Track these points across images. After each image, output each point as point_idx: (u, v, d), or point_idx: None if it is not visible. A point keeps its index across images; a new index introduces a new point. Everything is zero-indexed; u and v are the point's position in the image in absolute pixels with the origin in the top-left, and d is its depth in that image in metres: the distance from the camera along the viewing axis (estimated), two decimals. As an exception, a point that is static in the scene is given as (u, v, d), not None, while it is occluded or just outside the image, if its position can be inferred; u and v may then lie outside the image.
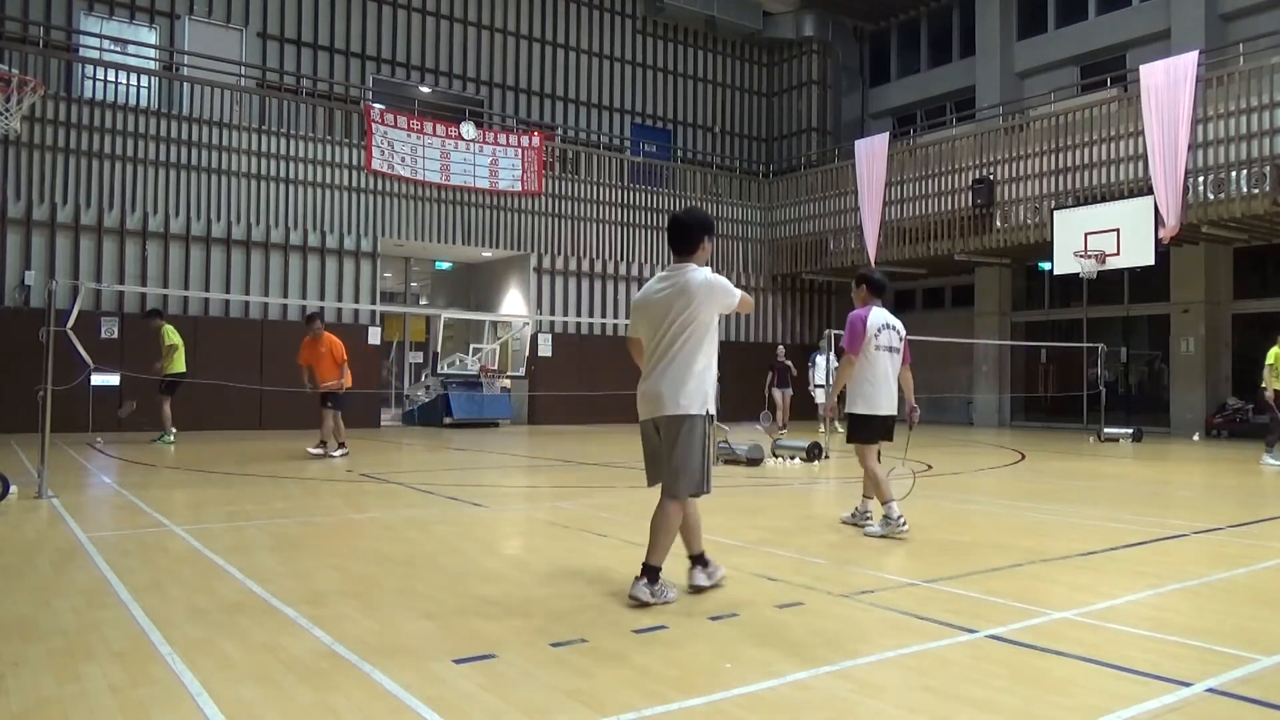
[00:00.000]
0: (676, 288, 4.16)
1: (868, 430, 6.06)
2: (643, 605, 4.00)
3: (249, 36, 18.56)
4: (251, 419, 15.79)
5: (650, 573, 4.10)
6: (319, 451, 11.11)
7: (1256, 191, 14.14)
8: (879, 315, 6.06)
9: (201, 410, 14.54)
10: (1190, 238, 16.26)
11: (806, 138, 24.79)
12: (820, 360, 16.46)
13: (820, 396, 16.23)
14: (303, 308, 16.76)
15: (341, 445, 11.32)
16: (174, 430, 12.75)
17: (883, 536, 5.82)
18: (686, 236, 4.28)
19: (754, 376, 18.08)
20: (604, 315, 20.28)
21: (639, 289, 4.53)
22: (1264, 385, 11.54)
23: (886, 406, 6.03)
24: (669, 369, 4.16)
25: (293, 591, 4.23)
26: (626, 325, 4.51)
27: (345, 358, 11.52)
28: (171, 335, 12.78)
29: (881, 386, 6.00)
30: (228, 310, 16.23)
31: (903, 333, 6.17)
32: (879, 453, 6.16)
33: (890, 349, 6.05)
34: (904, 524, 5.77)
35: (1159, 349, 19.28)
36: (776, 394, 17.06)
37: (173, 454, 11.36)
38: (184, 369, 12.85)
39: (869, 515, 6.21)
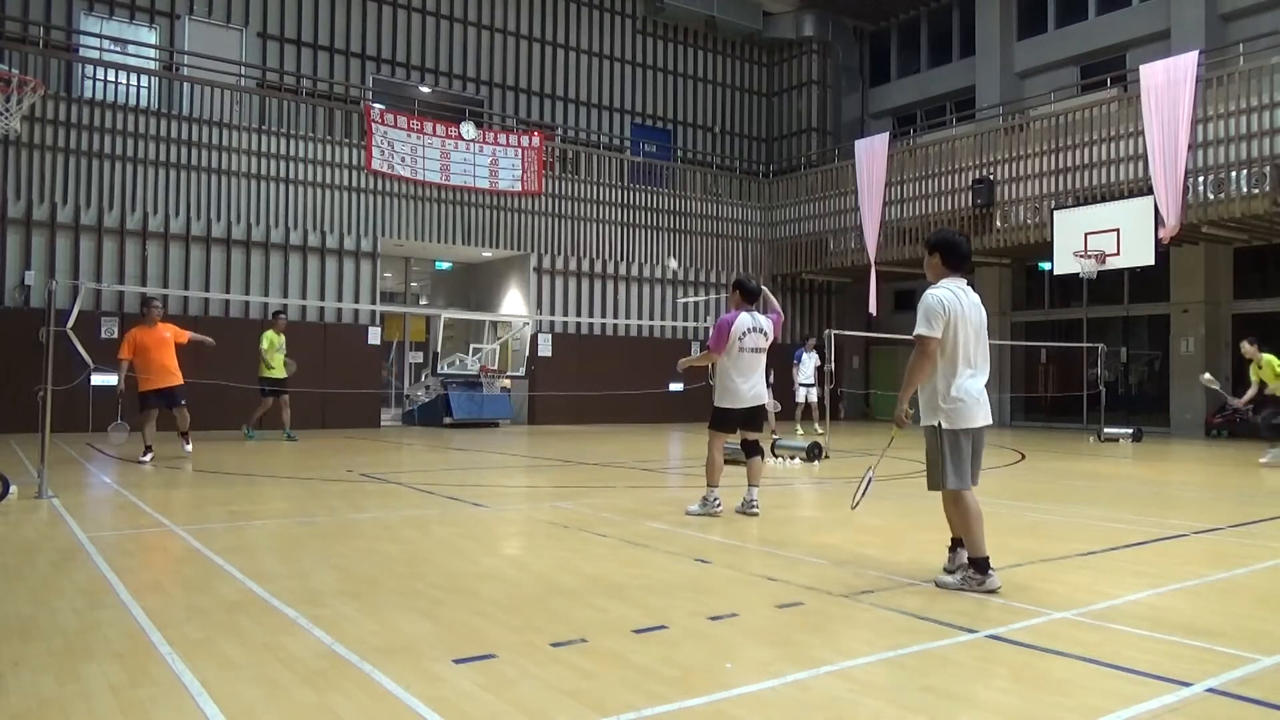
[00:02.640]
0: (980, 304, 4.68)
1: (726, 421, 6.80)
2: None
3: (249, 36, 18.56)
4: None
5: (961, 543, 4.63)
6: (187, 448, 10.68)
7: (1256, 191, 14.13)
8: (745, 319, 6.71)
9: (202, 410, 14.49)
10: (1190, 238, 16.25)
11: (806, 138, 24.78)
12: (806, 358, 16.44)
13: (813, 395, 16.18)
14: (303, 308, 16.77)
15: (148, 449, 10.30)
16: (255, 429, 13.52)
17: (701, 515, 6.62)
18: (968, 257, 4.79)
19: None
20: (604, 315, 20.29)
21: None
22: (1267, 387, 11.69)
23: (749, 400, 6.72)
24: (984, 380, 4.64)
25: (293, 591, 4.24)
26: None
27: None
28: (266, 340, 13.19)
29: (744, 383, 6.68)
30: (228, 310, 16.23)
31: (769, 333, 6.82)
32: (771, 443, 6.88)
33: (755, 349, 6.72)
34: (719, 506, 6.67)
35: (1159, 349, 19.28)
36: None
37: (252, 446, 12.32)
38: (273, 373, 13.30)
39: (755, 504, 6.76)
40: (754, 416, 6.85)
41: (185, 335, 10.92)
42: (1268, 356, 11.75)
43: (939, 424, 4.51)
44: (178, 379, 10.63)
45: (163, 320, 10.88)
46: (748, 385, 6.69)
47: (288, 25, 18.96)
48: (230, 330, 16.02)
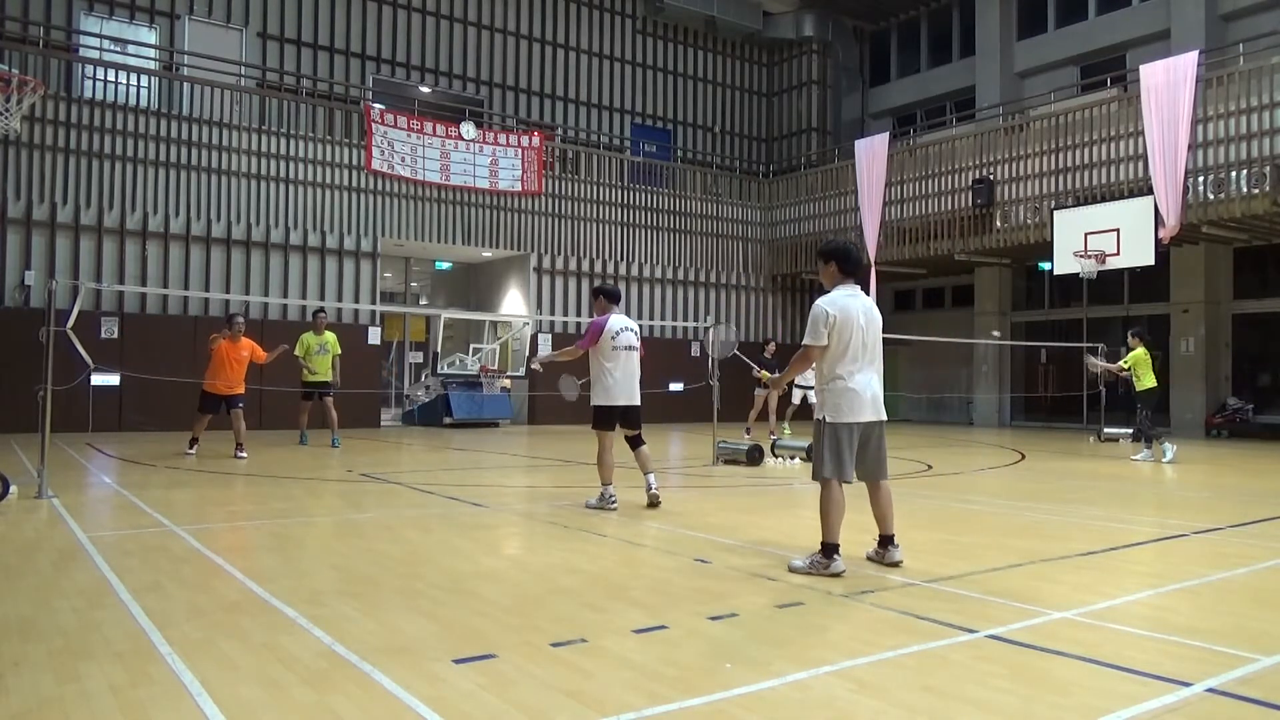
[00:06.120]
0: (871, 307, 4.99)
1: (608, 419, 7.03)
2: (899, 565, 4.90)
3: (249, 36, 18.56)
4: (251, 419, 15.67)
5: (890, 540, 4.97)
6: (242, 455, 11.00)
7: (1256, 191, 14.13)
8: (617, 320, 7.09)
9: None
10: (1190, 238, 16.25)
11: (806, 138, 24.78)
12: None
13: (812, 396, 16.00)
14: (303, 308, 16.77)
15: (194, 442, 11.26)
16: (305, 433, 13.26)
17: (597, 509, 6.91)
18: (861, 264, 5.14)
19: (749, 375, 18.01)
20: (604, 315, 20.26)
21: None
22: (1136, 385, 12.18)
23: (624, 398, 7.06)
24: (877, 377, 4.94)
25: (293, 591, 4.24)
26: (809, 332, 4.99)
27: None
28: (301, 344, 12.85)
29: (621, 381, 7.02)
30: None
31: (638, 332, 7.25)
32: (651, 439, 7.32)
33: (629, 347, 7.07)
34: (614, 503, 6.92)
35: (1159, 349, 19.28)
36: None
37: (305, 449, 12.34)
38: (311, 375, 12.82)
39: (654, 488, 7.08)
40: (630, 413, 7.15)
41: (263, 357, 11.61)
42: (1136, 353, 12.11)
43: (824, 417, 4.89)
44: (239, 390, 11.42)
45: (245, 335, 11.60)
46: (625, 383, 7.04)
47: (288, 25, 18.96)
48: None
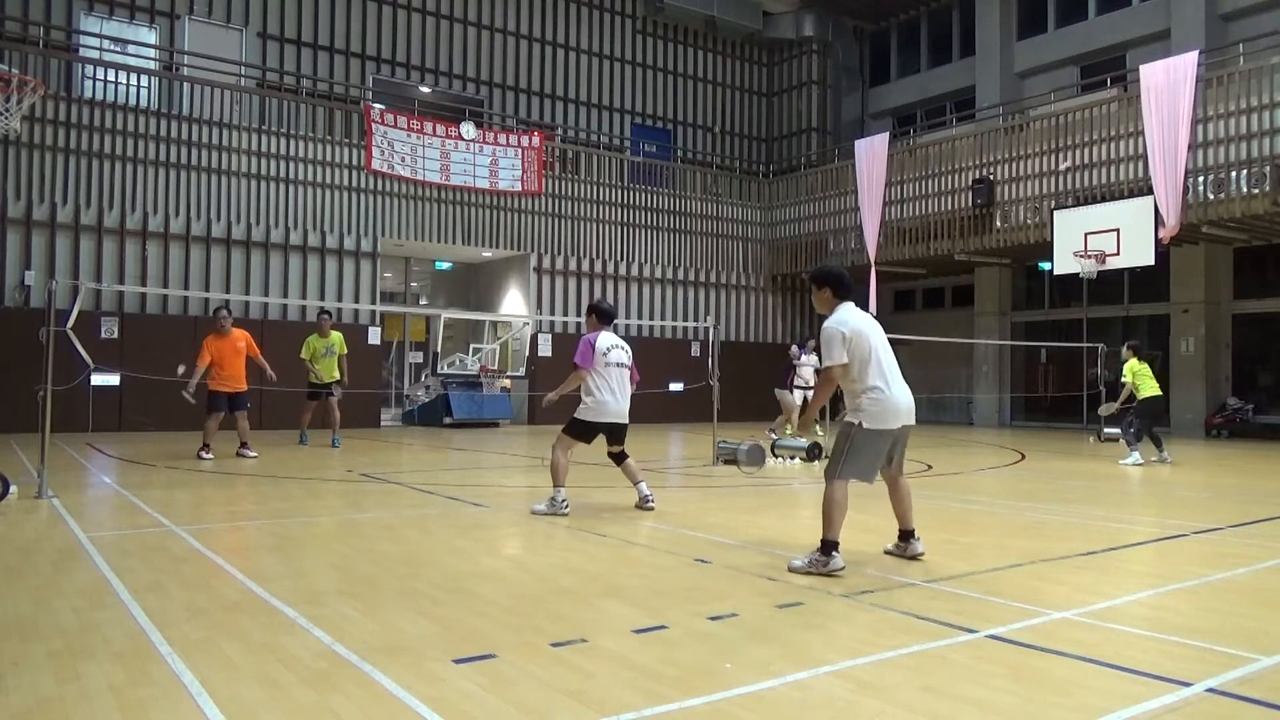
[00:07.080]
0: (874, 319, 5.12)
1: (586, 433, 6.99)
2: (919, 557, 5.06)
3: (249, 36, 18.56)
4: (252, 419, 15.70)
5: (911, 534, 5.12)
6: (253, 454, 10.99)
7: (1256, 191, 14.13)
8: (607, 338, 7.05)
9: (201, 410, 14.50)
10: (1190, 238, 16.25)
11: (806, 138, 24.78)
12: (806, 359, 16.10)
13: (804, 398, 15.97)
14: (303, 308, 16.77)
15: (207, 447, 10.84)
16: (305, 433, 13.20)
17: (548, 514, 6.73)
18: (852, 286, 5.25)
19: (755, 375, 18.03)
20: (604, 315, 20.25)
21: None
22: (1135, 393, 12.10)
23: (614, 415, 6.99)
24: (901, 381, 5.03)
25: (293, 591, 4.24)
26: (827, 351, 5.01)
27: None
28: (307, 347, 12.71)
29: (612, 398, 6.96)
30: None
31: (629, 351, 7.20)
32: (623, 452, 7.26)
33: (620, 364, 7.05)
34: (566, 507, 6.79)
35: (1159, 349, 19.30)
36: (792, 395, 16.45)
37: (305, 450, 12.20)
38: (318, 380, 12.65)
39: (650, 497, 7.05)
40: (616, 430, 7.10)
41: (257, 353, 11.40)
42: (1130, 364, 12.13)
43: (859, 422, 4.87)
44: (243, 386, 11.20)
45: (235, 328, 11.30)
46: (616, 400, 6.98)
47: (288, 25, 18.96)
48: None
